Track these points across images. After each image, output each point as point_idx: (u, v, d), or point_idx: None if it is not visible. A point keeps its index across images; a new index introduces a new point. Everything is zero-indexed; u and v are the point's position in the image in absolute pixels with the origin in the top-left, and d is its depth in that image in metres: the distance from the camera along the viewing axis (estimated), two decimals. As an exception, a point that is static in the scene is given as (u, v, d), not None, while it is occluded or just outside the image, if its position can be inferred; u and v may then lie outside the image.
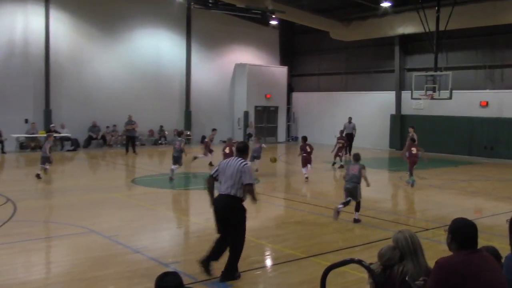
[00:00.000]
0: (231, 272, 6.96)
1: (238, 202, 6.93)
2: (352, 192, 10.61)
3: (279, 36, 34.16)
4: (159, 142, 28.69)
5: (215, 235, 7.25)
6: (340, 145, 21.41)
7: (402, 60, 28.11)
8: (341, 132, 22.34)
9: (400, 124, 27.70)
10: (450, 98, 22.31)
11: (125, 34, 27.77)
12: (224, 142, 20.74)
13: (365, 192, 15.01)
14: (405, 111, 27.98)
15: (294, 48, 35.03)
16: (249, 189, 6.90)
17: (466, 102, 25.13)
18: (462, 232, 3.78)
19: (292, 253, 8.25)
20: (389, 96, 28.52)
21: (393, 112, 28.29)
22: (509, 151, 23.78)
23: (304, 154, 16.95)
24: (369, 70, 30.17)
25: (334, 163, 20.82)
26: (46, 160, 15.85)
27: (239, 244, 6.96)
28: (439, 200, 13.83)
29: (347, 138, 23.85)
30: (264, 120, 32.52)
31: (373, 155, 25.65)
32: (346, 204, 10.53)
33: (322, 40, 32.42)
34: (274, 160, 17.44)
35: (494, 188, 15.83)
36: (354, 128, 25.41)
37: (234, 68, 31.90)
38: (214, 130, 20.79)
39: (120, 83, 27.57)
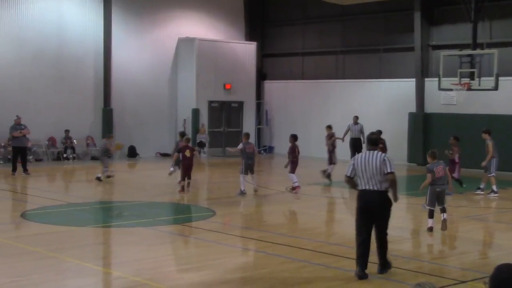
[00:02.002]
0: (388, 262, 10.38)
1: (388, 196, 10.13)
2: (442, 197, 13.93)
3: (245, -3, 34.35)
4: (65, 155, 28.31)
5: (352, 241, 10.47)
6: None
7: (425, 33, 28.56)
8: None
9: (423, 126, 28.04)
10: (496, 88, 22.73)
11: (11, -7, 27.40)
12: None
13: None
14: (430, 107, 28.40)
15: (266, 16, 35.18)
16: (391, 177, 10.02)
17: (519, 95, 25.65)
18: (508, 285, 3.78)
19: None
20: (406, 86, 28.90)
21: (413, 109, 28.67)
22: None
23: (294, 159, 19.70)
24: (377, 48, 30.54)
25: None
26: None
27: (387, 234, 10.30)
28: (479, 238, 14.00)
29: (352, 144, 25.22)
30: (222, 122, 32.50)
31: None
32: (433, 214, 13.89)
33: (307, 5, 32.64)
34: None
35: (560, 220, 16.12)
36: (362, 131, 26.05)
37: (178, 44, 31.88)
38: (329, 127, 23.48)
39: (3, 68, 27.15)
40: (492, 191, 19.62)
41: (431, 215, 13.87)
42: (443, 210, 13.98)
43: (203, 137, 30.76)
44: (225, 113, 32.58)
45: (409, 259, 11.70)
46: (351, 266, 10.90)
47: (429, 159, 14.11)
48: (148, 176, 22.91)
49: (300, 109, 32.82)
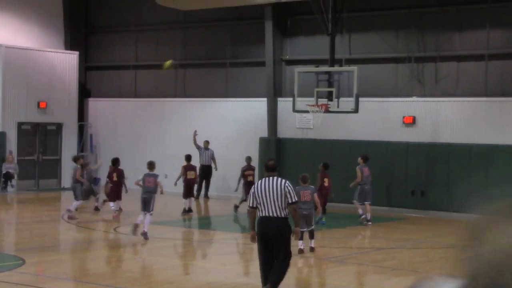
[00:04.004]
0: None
1: (288, 222, 11.64)
2: (309, 219, 16.42)
3: (64, -3, 33.85)
4: None
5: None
6: (193, 176, 24.62)
7: (278, 45, 29.18)
8: (188, 156, 24.97)
9: (276, 154, 28.45)
10: (356, 110, 23.53)
11: None
12: None
13: (200, 273, 15.25)
14: (283, 132, 28.98)
15: (91, 21, 34.74)
16: (294, 207, 11.66)
17: (382, 118, 26.72)
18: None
19: None
20: (257, 107, 29.36)
21: (265, 134, 29.15)
22: (450, 197, 25.62)
23: (111, 185, 21.54)
24: (223, 62, 30.89)
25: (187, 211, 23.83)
26: None
27: (289, 262, 11.69)
28: (342, 284, 14.42)
29: (202, 172, 26.77)
30: (36, 148, 31.70)
31: (229, 209, 26.18)
32: (302, 236, 15.62)
33: (140, 8, 32.53)
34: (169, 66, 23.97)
35: (428, 261, 16.98)
36: (213, 158, 27.50)
37: (-21, 52, 30.86)
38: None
39: None
40: (361, 214, 22.05)
41: (301, 237, 15.53)
42: (311, 236, 16.56)
43: (10, 167, 29.74)
44: (39, 138, 31.80)
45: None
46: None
47: (300, 183, 16.73)
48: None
49: (132, 133, 32.48)
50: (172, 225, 21.86)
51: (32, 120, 31.40)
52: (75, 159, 23.38)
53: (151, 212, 18.40)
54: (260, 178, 22.90)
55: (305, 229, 16.04)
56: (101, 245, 18.57)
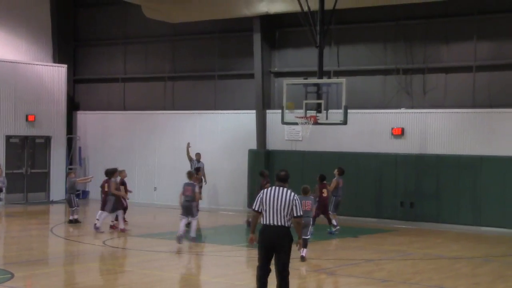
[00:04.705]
0: None
1: (289, 232, 11.74)
2: (306, 228, 17.07)
3: (52, 8, 33.78)
4: None
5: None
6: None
7: (266, 57, 29.30)
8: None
9: (266, 166, 28.53)
10: (345, 122, 23.59)
11: None
12: None
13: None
14: (273, 144, 29.06)
15: (79, 33, 34.75)
16: (298, 221, 11.90)
17: (371, 130, 26.92)
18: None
19: None
20: (245, 119, 29.46)
21: (254, 146, 29.21)
22: (439, 208, 25.84)
23: (103, 195, 22.73)
24: (212, 74, 30.97)
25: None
26: None
27: (288, 269, 11.80)
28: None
29: None
30: (24, 161, 31.66)
31: (222, 221, 26.06)
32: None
33: (128, 21, 32.57)
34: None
35: (417, 272, 16.94)
36: (203, 171, 27.59)
37: (-36, 65, 30.84)
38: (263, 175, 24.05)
39: None
40: (335, 225, 22.89)
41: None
42: (304, 245, 17.20)
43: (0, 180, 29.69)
44: (27, 151, 31.80)
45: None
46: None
47: (301, 193, 17.46)
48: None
49: (121, 146, 32.54)
50: (162, 238, 21.80)
51: (20, 133, 31.40)
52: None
53: (196, 217, 20.47)
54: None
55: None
56: (91, 258, 18.50)
